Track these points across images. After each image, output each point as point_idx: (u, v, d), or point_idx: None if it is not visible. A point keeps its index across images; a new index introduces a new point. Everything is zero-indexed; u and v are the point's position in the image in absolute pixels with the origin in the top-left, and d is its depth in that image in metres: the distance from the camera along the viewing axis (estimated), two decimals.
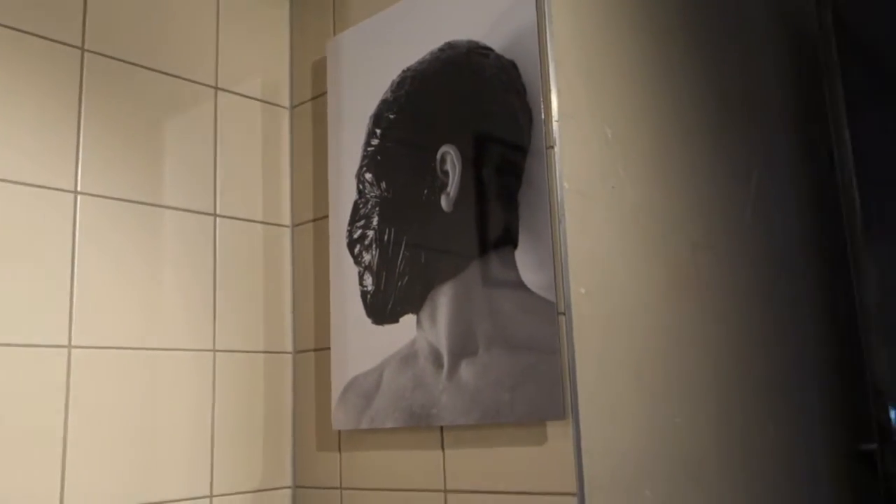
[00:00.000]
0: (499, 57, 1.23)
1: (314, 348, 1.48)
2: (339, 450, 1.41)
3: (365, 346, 1.36)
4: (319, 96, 1.54)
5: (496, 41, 1.23)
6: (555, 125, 1.17)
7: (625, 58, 1.37)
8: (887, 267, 2.02)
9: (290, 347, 1.52)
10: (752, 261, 1.65)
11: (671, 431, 1.30)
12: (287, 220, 1.56)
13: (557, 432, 1.11)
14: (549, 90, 1.18)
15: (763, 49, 1.92)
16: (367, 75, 1.42)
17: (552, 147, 1.17)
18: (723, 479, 1.41)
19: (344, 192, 1.44)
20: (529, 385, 1.13)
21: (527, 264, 1.17)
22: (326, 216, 1.48)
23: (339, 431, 1.41)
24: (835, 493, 1.82)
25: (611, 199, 1.26)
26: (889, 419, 1.76)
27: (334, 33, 1.53)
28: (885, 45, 2.51)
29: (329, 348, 1.43)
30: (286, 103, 1.59)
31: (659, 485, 1.24)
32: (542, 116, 1.17)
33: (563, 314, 1.13)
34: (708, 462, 1.38)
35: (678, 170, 1.46)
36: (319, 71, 1.54)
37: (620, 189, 1.29)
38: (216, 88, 1.48)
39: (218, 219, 1.44)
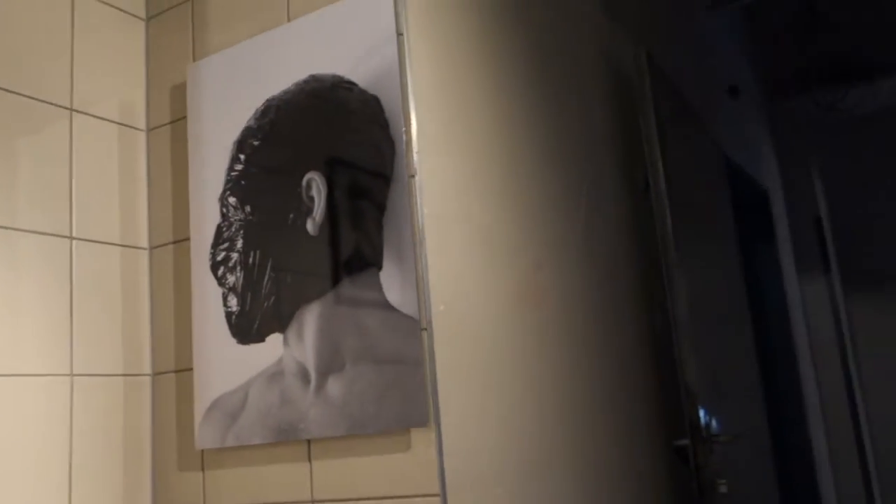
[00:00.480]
0: (363, 92, 1.32)
1: (175, 370, 1.49)
2: (203, 469, 1.43)
3: (230, 365, 1.40)
4: (179, 120, 1.56)
5: (360, 77, 1.32)
6: (415, 156, 1.28)
7: (478, 94, 1.50)
8: (695, 282, 2.29)
9: (148, 369, 1.51)
10: (583, 277, 1.83)
11: (520, 433, 1.43)
12: (145, 242, 1.55)
13: (421, 439, 1.21)
14: (410, 124, 1.28)
15: (591, 87, 2.13)
16: (229, 102, 1.47)
17: (413, 176, 1.27)
18: (564, 474, 1.57)
19: (206, 216, 1.46)
20: (395, 396, 1.22)
21: (391, 284, 1.26)
22: (187, 238, 1.50)
23: (203, 451, 1.43)
24: (656, 484, 2.04)
25: (465, 223, 1.39)
26: (699, 417, 2.00)
27: (194, 59, 1.56)
28: (689, 85, 2.83)
29: (191, 369, 1.45)
30: (143, 126, 1.60)
31: (509, 482, 1.37)
32: (404, 148, 1.28)
33: (425, 329, 1.23)
34: (551, 460, 1.53)
35: (522, 194, 1.61)
36: (178, 95, 1.56)
37: (473, 213, 1.42)
38: (71, 110, 1.46)
39: (74, 241, 1.43)
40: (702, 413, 2.02)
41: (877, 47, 3.71)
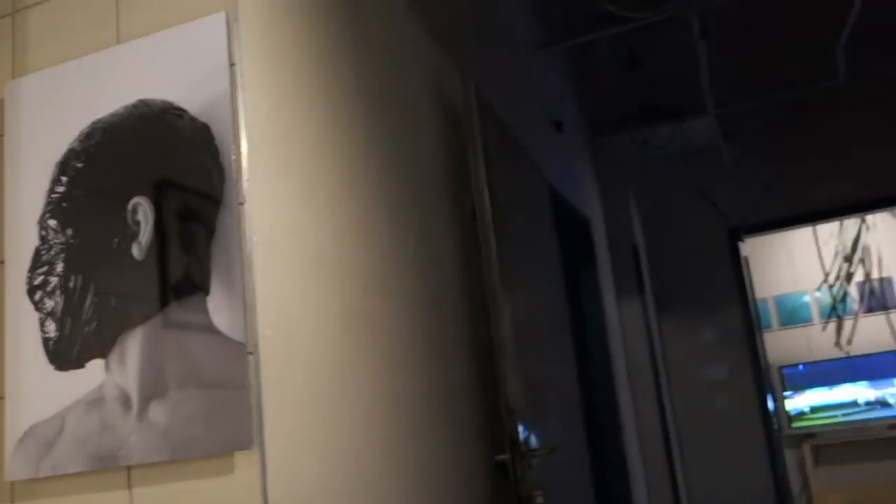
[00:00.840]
0: (193, 119, 1.33)
1: None
2: (12, 501, 1.37)
3: (46, 393, 1.36)
4: None
5: (191, 104, 1.34)
6: (245, 184, 1.31)
7: (312, 123, 1.55)
8: (520, 304, 2.44)
9: None
10: (412, 301, 1.91)
11: (348, 453, 1.48)
12: None
13: (244, 462, 1.23)
14: (240, 153, 1.31)
15: (425, 117, 2.23)
16: (52, 122, 1.43)
17: (242, 203, 1.30)
18: (391, 492, 1.63)
19: (23, 238, 1.42)
20: (219, 420, 1.24)
21: (218, 309, 1.28)
22: (1, 261, 1.44)
23: (13, 483, 1.38)
24: (479, 499, 2.14)
25: (294, 249, 1.43)
26: (518, 433, 2.13)
27: (14, 75, 1.51)
28: (518, 119, 3.02)
29: (3, 398, 1.39)
30: None
31: (335, 501, 1.41)
32: (234, 176, 1.30)
33: (252, 353, 1.26)
34: (379, 478, 1.58)
35: (354, 220, 1.67)
36: None
37: (304, 239, 1.46)
38: None
39: None
40: (521, 429, 2.16)
41: (683, 92, 4.11)
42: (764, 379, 5.13)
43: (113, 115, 1.39)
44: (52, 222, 1.40)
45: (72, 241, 1.38)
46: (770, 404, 5.22)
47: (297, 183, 1.48)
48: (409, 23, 2.23)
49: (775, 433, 5.15)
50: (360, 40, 1.87)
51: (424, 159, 2.19)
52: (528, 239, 2.90)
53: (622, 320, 4.58)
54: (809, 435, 6.38)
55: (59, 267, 1.38)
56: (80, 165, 1.40)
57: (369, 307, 1.68)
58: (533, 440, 2.30)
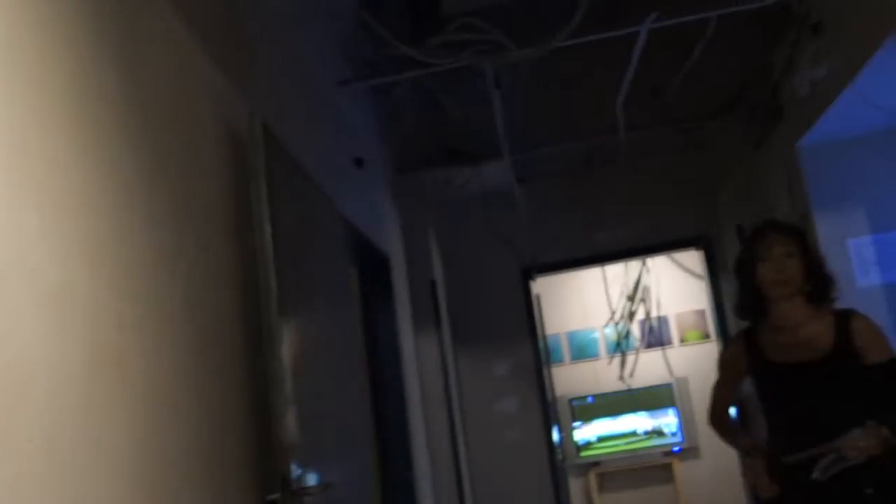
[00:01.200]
0: None
1: None
2: None
3: None
4: None
5: None
6: None
7: (58, 144, 1.47)
8: (305, 340, 2.43)
9: None
10: (178, 338, 1.85)
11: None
12: None
13: None
14: None
15: (207, 150, 2.19)
16: None
17: None
18: None
19: None
20: None
21: None
22: None
23: None
24: None
25: (31, 281, 1.34)
26: (290, 471, 2.11)
27: None
28: (316, 155, 3.03)
29: None
30: None
31: None
32: None
33: None
34: None
35: (108, 253, 1.59)
36: None
37: (43, 271, 1.37)
38: None
39: None
40: (294, 466, 2.13)
41: (481, 137, 4.31)
42: (550, 412, 5.42)
43: None
44: None
45: None
46: (556, 435, 5.51)
47: (40, 213, 1.39)
48: (193, 53, 2.19)
49: (559, 463, 5.44)
50: (130, 69, 1.81)
51: (206, 194, 2.14)
52: (320, 273, 2.89)
53: (419, 354, 4.68)
54: (595, 463, 6.81)
55: None
56: None
57: (127, 346, 1.61)
58: (310, 477, 2.28)
